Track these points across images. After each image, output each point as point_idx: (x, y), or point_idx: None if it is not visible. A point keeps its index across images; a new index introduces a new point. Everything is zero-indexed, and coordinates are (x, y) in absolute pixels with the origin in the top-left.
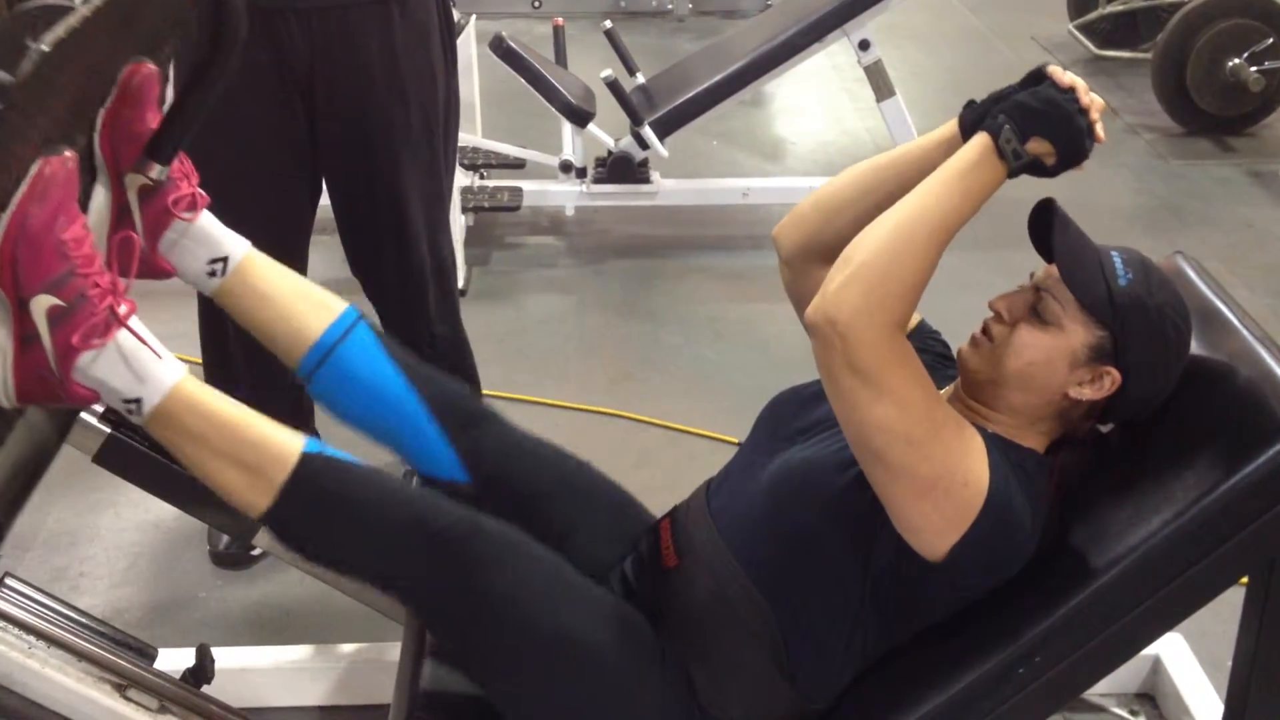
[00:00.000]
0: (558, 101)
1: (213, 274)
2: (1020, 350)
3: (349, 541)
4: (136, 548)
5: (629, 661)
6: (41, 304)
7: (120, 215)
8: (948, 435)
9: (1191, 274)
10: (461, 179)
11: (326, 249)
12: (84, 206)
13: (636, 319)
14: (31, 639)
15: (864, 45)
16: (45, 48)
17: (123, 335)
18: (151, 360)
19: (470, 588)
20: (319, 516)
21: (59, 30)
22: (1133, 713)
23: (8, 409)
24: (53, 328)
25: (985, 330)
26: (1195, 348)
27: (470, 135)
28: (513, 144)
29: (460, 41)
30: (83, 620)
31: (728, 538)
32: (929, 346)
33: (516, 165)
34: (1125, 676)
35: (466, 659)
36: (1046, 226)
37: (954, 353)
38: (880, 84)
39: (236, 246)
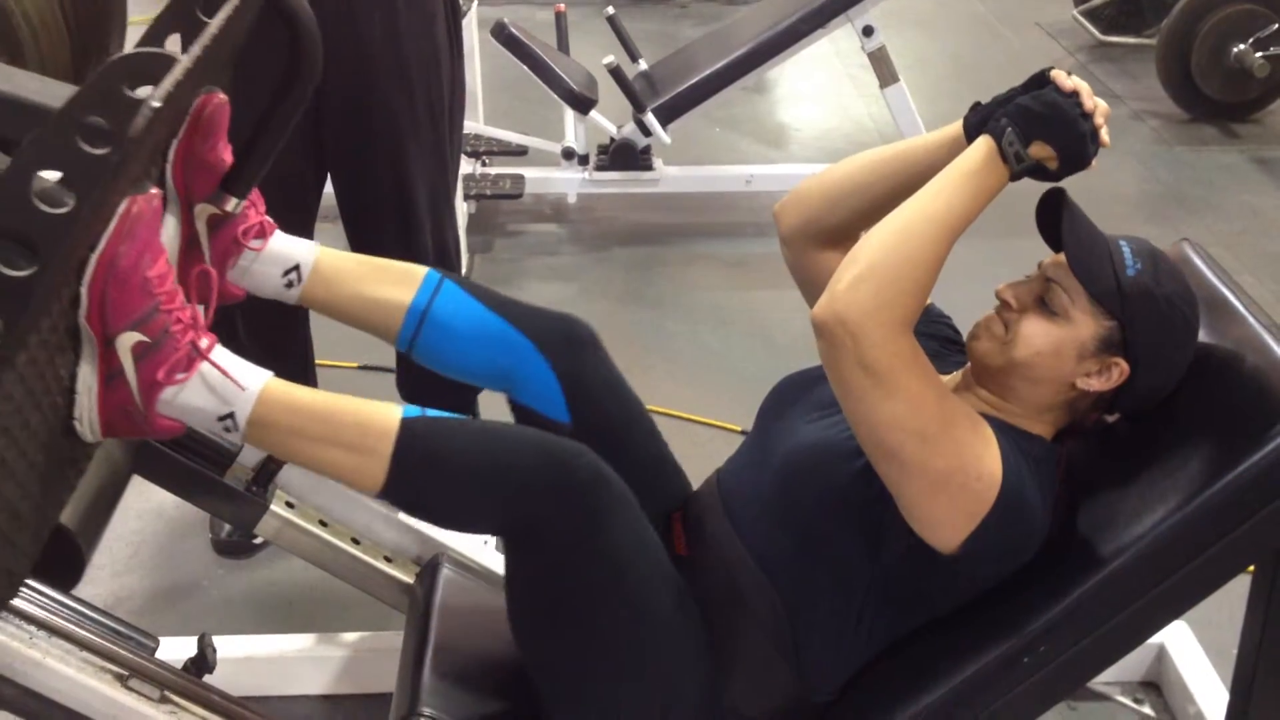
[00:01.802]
0: (560, 88)
1: (290, 285)
2: (1028, 341)
3: (470, 494)
4: (138, 536)
5: (684, 640)
6: (127, 341)
7: (190, 245)
8: (959, 430)
9: (1198, 261)
10: (463, 166)
11: (328, 236)
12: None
13: (639, 306)
14: (32, 629)
15: (868, 31)
16: (157, 104)
17: (205, 367)
18: (234, 386)
19: (587, 531)
20: (435, 476)
21: (167, 85)
22: (1137, 701)
23: (90, 441)
24: (138, 364)
25: (994, 319)
26: (1202, 335)
27: (472, 122)
28: (515, 131)
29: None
30: (83, 610)
31: (738, 526)
32: (937, 331)
33: (518, 152)
34: (1130, 665)
35: (544, 605)
36: (1055, 216)
37: (964, 337)
38: (884, 70)
39: (306, 252)
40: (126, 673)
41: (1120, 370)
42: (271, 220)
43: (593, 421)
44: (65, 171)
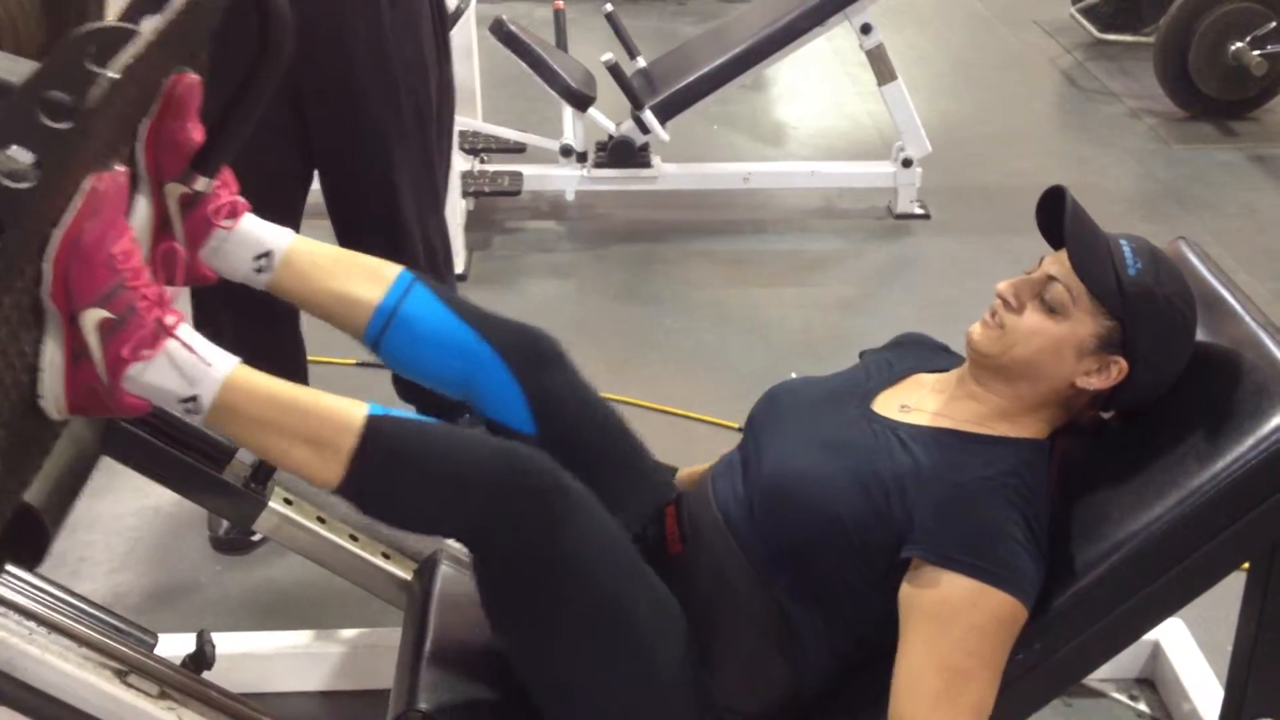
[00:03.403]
0: (558, 85)
1: (260, 270)
2: (1028, 338)
3: (428, 497)
4: (136, 533)
5: (665, 640)
6: (92, 318)
7: (162, 225)
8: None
9: (1194, 259)
10: (462, 163)
11: (319, 234)
12: (127, 217)
13: (637, 304)
14: (31, 624)
15: (866, 29)
16: (115, 75)
17: (171, 344)
18: (200, 364)
19: (545, 540)
20: (394, 476)
21: (126, 56)
22: (1133, 698)
23: (56, 419)
24: (103, 340)
25: (994, 315)
26: (1198, 333)
27: (470, 119)
28: (513, 128)
29: (461, 25)
30: (83, 606)
31: (731, 526)
32: (922, 339)
33: (517, 149)
34: (1125, 662)
35: (514, 613)
36: (1057, 213)
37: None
38: (882, 68)
39: (279, 238)
40: (126, 669)
41: (1120, 368)
42: (245, 200)
43: (562, 433)
44: (28, 146)
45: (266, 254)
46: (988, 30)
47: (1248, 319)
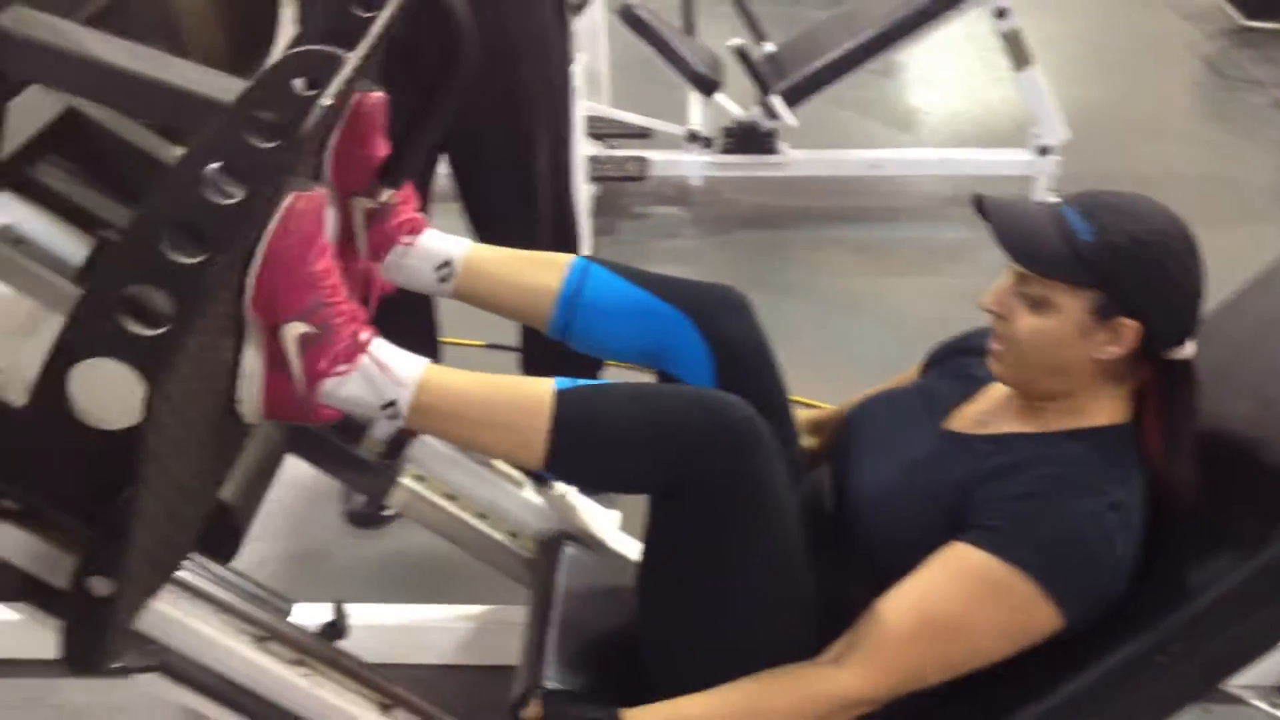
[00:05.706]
0: (685, 70)
1: (444, 279)
2: (1030, 342)
3: (628, 456)
4: (273, 505)
5: (802, 613)
6: (292, 331)
7: (347, 238)
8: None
9: None
10: (588, 148)
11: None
12: (326, 234)
13: (762, 291)
14: (175, 589)
15: (1001, 13)
16: (329, 101)
17: (366, 360)
18: (392, 380)
19: (740, 472)
20: (594, 442)
21: (338, 83)
22: (1274, 705)
23: (251, 423)
24: (302, 353)
25: (995, 337)
26: None
27: (597, 104)
28: (639, 113)
29: (589, 10)
30: (224, 573)
31: (845, 522)
32: (964, 350)
33: (643, 135)
34: (1266, 668)
35: (696, 559)
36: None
37: None
38: (1017, 53)
39: (456, 247)
40: (265, 635)
41: (1131, 328)
42: (424, 217)
43: (739, 385)
44: (235, 165)
45: (447, 263)
46: (1123, 15)
47: None
